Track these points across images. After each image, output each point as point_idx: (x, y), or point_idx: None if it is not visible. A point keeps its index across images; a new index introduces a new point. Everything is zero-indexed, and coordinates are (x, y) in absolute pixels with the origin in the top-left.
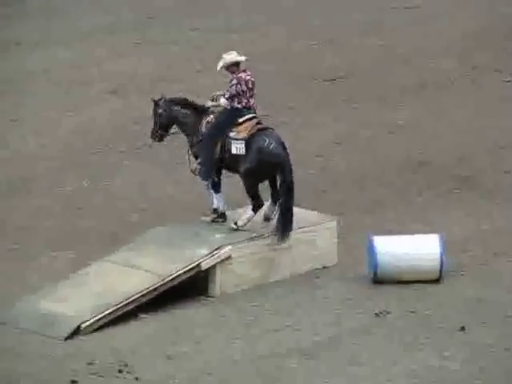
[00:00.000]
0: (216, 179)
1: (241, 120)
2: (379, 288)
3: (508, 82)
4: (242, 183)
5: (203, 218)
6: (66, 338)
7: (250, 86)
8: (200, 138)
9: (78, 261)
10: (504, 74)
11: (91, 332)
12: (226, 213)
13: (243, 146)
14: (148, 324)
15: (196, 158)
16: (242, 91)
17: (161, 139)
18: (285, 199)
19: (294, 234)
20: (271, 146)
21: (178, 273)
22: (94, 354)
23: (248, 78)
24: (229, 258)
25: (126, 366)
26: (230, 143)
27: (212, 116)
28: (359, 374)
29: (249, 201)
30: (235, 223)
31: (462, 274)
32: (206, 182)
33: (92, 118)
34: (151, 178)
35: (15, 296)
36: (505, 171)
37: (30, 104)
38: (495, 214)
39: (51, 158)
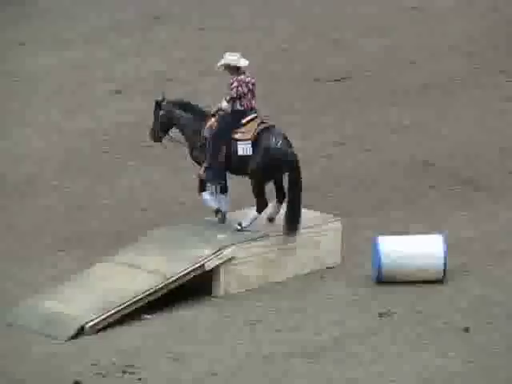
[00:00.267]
0: (222, 182)
1: (244, 121)
2: (383, 288)
3: None
4: (250, 183)
5: (207, 218)
6: (70, 338)
7: (251, 87)
8: (203, 141)
9: (82, 261)
10: (509, 75)
11: (95, 332)
12: (230, 213)
13: (250, 146)
14: (152, 324)
15: (197, 162)
16: (244, 93)
17: (160, 140)
18: (293, 196)
19: (299, 235)
20: (278, 145)
21: (183, 273)
22: (98, 354)
23: (248, 79)
24: (233, 258)
25: (130, 366)
26: (236, 145)
27: (213, 120)
28: (363, 374)
29: (254, 201)
30: (239, 224)
31: (466, 275)
32: (213, 186)
33: (97, 118)
34: (156, 179)
35: (19, 296)
36: (510, 172)
37: (35, 104)
38: (500, 214)
39: (56, 159)
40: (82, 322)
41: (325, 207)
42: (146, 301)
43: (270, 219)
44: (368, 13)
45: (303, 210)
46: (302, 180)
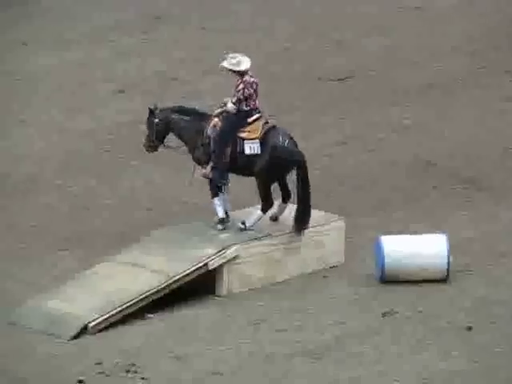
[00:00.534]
0: (225, 182)
1: (250, 120)
2: (386, 288)
3: None
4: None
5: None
6: (73, 338)
7: (255, 87)
8: (205, 141)
9: (85, 260)
10: (511, 75)
11: (98, 332)
12: (233, 212)
13: (258, 145)
14: (155, 324)
15: (198, 162)
16: (250, 95)
17: (155, 149)
18: (303, 194)
19: (301, 234)
20: (286, 143)
21: (185, 272)
22: (101, 353)
23: (252, 79)
24: (236, 257)
25: (133, 365)
26: (243, 144)
27: (217, 119)
28: (365, 374)
29: (259, 201)
30: (243, 223)
31: (469, 274)
32: (219, 185)
33: (99, 118)
34: (158, 178)
35: (22, 295)
36: (511, 171)
37: (36, 104)
38: (502, 214)
39: (58, 158)
40: (85, 322)
41: (326, 207)
42: (149, 300)
43: (274, 218)
44: (369, 12)
45: None
46: None
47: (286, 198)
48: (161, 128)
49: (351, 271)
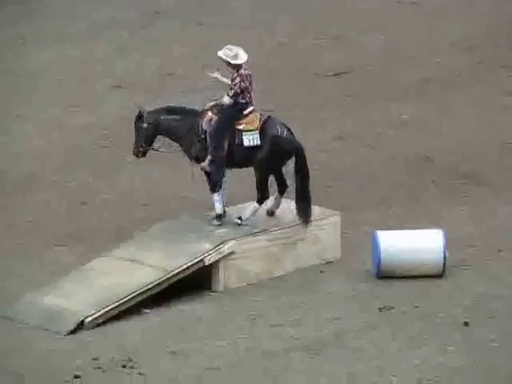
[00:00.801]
0: (223, 176)
1: (245, 112)
2: (383, 283)
3: None
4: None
5: (208, 213)
6: (70, 333)
7: (250, 79)
8: (201, 136)
9: (82, 256)
10: (509, 70)
11: (95, 327)
12: (229, 208)
13: (257, 136)
14: (152, 319)
15: (197, 159)
16: (246, 88)
17: (144, 154)
18: (302, 184)
19: (298, 229)
20: (285, 133)
21: (182, 268)
22: (98, 349)
23: (247, 72)
24: (233, 253)
25: (129, 361)
26: (241, 137)
27: (211, 113)
28: (363, 369)
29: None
30: (239, 218)
31: (466, 270)
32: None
33: (97, 114)
34: (156, 174)
35: (19, 291)
36: (510, 167)
37: (35, 100)
38: (500, 209)
39: (56, 154)
40: (82, 317)
41: (324, 203)
42: (146, 295)
43: (271, 213)
44: (368, 9)
45: None
46: None
47: (282, 190)
48: (150, 132)
49: (348, 267)
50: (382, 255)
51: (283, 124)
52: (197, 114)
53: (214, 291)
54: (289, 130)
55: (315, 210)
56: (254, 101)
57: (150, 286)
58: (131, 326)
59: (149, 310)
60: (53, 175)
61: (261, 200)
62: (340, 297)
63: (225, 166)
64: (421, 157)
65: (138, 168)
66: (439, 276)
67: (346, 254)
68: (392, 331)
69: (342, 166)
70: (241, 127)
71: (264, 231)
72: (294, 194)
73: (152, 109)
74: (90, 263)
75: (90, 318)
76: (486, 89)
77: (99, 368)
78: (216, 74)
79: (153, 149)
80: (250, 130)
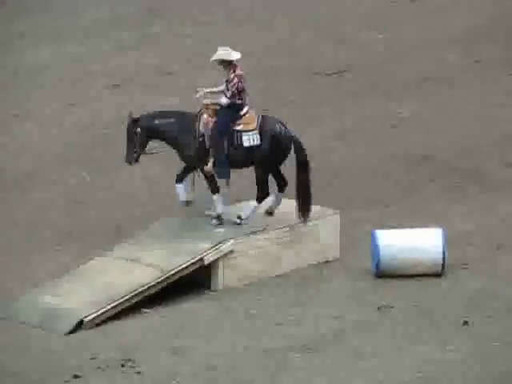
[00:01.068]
0: (228, 177)
1: (242, 113)
2: (382, 282)
3: None
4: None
5: (207, 213)
6: (69, 332)
7: (244, 79)
8: (199, 139)
9: (81, 255)
10: (508, 68)
11: (94, 326)
12: (228, 207)
13: (257, 136)
14: (151, 318)
15: (190, 161)
16: (243, 88)
17: (137, 160)
18: (302, 178)
19: (297, 228)
20: (283, 131)
21: (181, 267)
22: (97, 348)
23: (241, 72)
24: (232, 251)
25: (129, 360)
26: (241, 137)
27: (206, 116)
28: (363, 367)
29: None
30: (239, 217)
31: (465, 268)
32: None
33: (96, 112)
34: (155, 173)
35: (18, 290)
36: (509, 164)
37: (34, 98)
38: (499, 207)
39: (55, 152)
40: (81, 316)
41: (323, 200)
42: (145, 295)
43: (270, 212)
44: (367, 6)
45: None
46: None
47: (282, 187)
48: (144, 138)
49: (348, 265)
50: (381, 254)
51: (279, 121)
52: (190, 116)
53: (213, 290)
54: (285, 127)
55: (315, 208)
56: (251, 99)
57: (149, 285)
58: (130, 325)
59: (149, 310)
60: (51, 173)
61: (260, 198)
62: (339, 295)
63: (229, 167)
64: (420, 154)
65: (137, 167)
66: (438, 274)
67: (345, 253)
68: (392, 329)
69: (340, 163)
70: (239, 128)
71: (263, 230)
72: (293, 193)
73: (145, 113)
74: (90, 262)
75: (89, 318)
76: (484, 86)
77: (99, 367)
78: (202, 91)
79: (145, 153)
80: (249, 130)
